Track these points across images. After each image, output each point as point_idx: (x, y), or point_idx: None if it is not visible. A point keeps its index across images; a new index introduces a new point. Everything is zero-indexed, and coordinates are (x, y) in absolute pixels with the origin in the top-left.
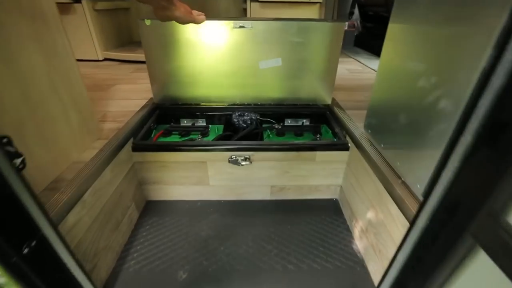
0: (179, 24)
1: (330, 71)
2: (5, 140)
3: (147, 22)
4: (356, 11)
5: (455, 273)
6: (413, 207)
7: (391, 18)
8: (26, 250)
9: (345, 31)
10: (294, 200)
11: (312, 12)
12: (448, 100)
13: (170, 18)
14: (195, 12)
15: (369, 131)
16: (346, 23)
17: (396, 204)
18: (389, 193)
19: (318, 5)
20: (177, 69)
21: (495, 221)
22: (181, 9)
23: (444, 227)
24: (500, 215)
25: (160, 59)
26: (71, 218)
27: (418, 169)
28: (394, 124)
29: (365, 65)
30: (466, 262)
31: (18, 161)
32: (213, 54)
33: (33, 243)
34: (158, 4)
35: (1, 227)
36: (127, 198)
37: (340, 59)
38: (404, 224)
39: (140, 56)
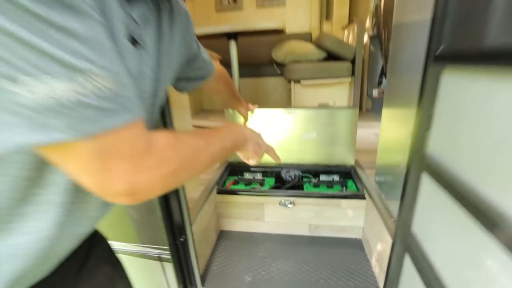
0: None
1: (351, 141)
2: None
3: (230, 111)
4: (385, 80)
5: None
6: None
7: (384, 103)
8: (180, 240)
9: (376, 98)
10: (326, 237)
11: (343, 88)
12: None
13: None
14: (250, 105)
15: (377, 185)
16: (376, 90)
17: (390, 235)
18: (387, 228)
19: (347, 83)
20: None
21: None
22: (243, 106)
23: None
24: None
25: None
26: (193, 227)
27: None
28: (388, 180)
29: None
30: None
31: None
32: (270, 130)
33: (182, 238)
34: (231, 101)
35: (175, 227)
36: (212, 225)
37: (369, 124)
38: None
39: (212, 124)
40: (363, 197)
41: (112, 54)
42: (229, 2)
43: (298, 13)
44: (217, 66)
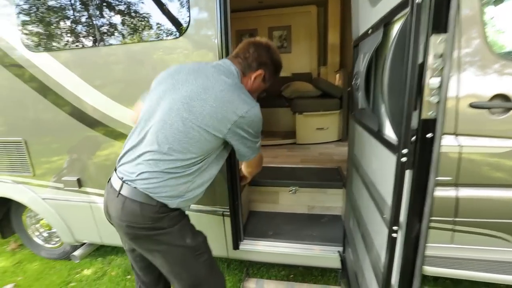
0: None
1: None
2: None
3: None
4: None
5: None
6: None
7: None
8: (235, 203)
9: None
10: (320, 214)
11: (334, 117)
12: None
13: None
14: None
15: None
16: None
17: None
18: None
19: (337, 113)
20: None
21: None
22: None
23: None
24: None
25: None
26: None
27: None
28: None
29: None
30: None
31: None
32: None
33: (236, 202)
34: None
35: (234, 195)
36: (246, 204)
37: None
38: None
39: None
40: (341, 186)
41: None
42: None
43: (301, 58)
44: None
